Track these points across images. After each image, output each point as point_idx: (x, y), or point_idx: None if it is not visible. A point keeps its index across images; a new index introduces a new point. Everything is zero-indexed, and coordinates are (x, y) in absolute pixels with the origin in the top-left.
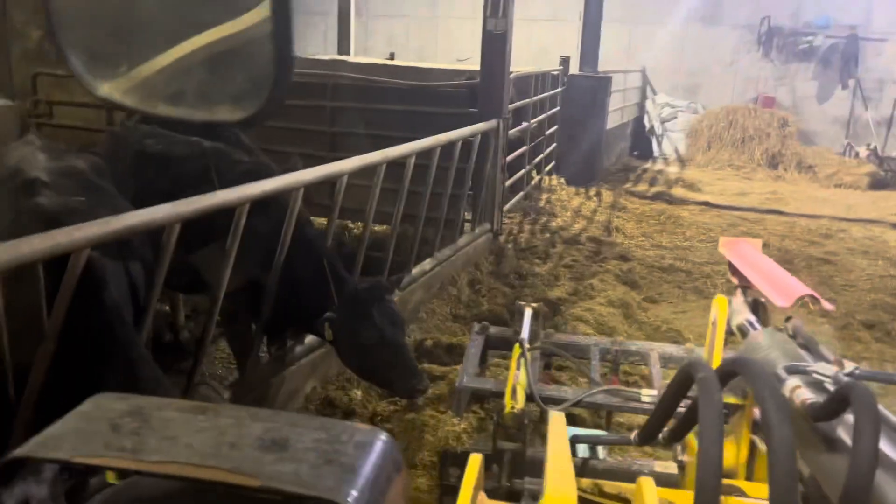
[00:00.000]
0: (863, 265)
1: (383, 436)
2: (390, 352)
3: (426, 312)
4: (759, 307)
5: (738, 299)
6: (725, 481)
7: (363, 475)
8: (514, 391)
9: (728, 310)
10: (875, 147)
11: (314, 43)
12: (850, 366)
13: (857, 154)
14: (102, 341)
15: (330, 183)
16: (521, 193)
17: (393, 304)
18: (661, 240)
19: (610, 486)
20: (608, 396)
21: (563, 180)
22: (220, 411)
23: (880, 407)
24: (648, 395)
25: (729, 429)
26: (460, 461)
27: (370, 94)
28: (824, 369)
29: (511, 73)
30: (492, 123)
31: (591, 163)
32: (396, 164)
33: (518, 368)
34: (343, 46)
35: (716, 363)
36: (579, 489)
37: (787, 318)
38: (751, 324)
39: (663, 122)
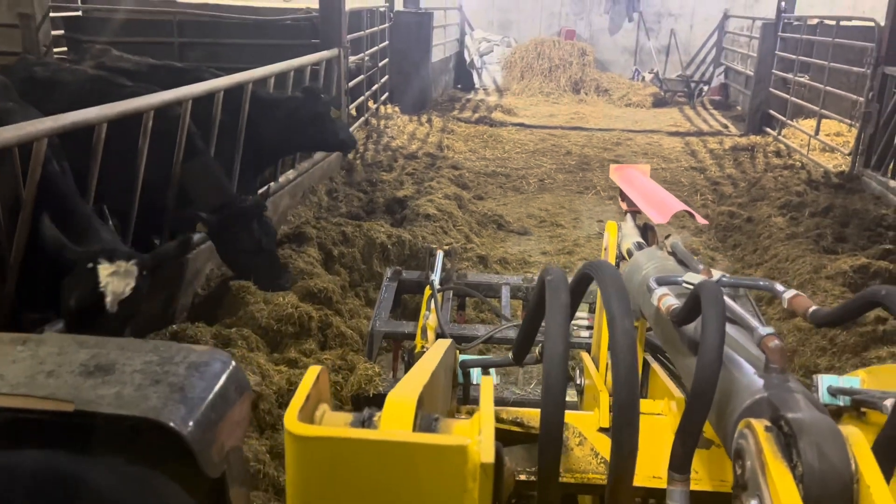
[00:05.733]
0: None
1: (222, 356)
2: (265, 258)
3: (293, 216)
4: (647, 231)
5: (628, 224)
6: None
7: (194, 395)
8: (424, 331)
9: (618, 235)
10: (657, 72)
11: None
12: (717, 274)
13: (643, 78)
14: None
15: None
16: (362, 118)
17: (269, 218)
18: (485, 153)
19: (505, 411)
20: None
21: (397, 108)
22: (42, 341)
23: (730, 303)
24: None
25: None
26: (374, 404)
27: (216, 30)
28: (692, 279)
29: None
30: (334, 51)
31: (421, 93)
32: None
33: (428, 309)
34: None
35: None
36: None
37: (666, 237)
38: (639, 245)
39: (482, 55)
